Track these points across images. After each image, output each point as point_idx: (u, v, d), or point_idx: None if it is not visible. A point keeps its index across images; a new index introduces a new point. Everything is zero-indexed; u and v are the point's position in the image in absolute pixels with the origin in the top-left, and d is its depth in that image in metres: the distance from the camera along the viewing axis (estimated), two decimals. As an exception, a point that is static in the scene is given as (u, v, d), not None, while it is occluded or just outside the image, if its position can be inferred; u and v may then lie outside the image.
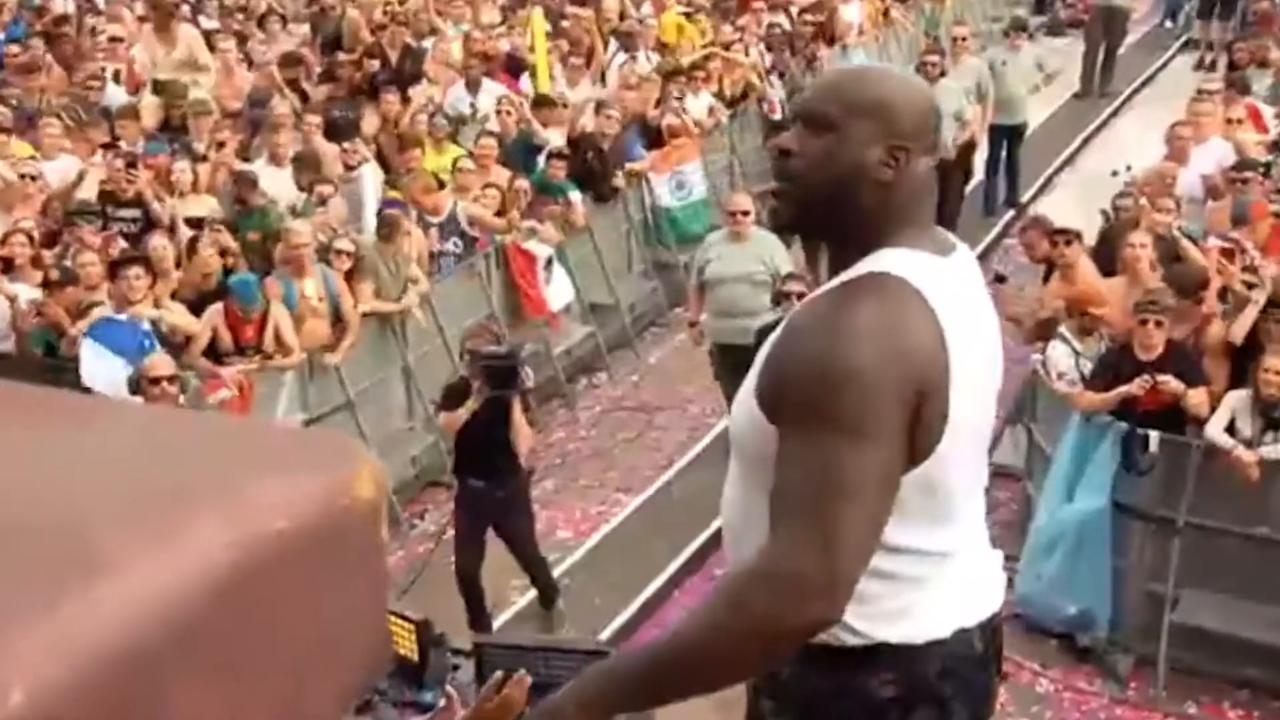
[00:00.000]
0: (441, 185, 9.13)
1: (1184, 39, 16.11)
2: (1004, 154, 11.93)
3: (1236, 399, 6.39)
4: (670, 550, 7.61)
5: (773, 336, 2.09)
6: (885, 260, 2.02)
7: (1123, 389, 6.44)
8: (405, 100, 10.41)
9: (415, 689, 4.46)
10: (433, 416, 8.37)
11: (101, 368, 6.95)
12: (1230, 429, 6.32)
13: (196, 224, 8.44)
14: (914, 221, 2.11)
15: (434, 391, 8.44)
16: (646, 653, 2.14)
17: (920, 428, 1.94)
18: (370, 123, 10.26)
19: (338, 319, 7.93)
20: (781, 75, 11.80)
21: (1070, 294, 7.42)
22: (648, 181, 10.35)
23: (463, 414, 6.20)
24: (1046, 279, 8.14)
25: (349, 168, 9.20)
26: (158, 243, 7.91)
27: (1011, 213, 11.95)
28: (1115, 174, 11.00)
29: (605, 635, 6.59)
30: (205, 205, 8.76)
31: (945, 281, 2.03)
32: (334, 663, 0.78)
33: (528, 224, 9.10)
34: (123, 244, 8.13)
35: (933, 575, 2.09)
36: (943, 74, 10.84)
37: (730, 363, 8.04)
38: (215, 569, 0.71)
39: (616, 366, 9.84)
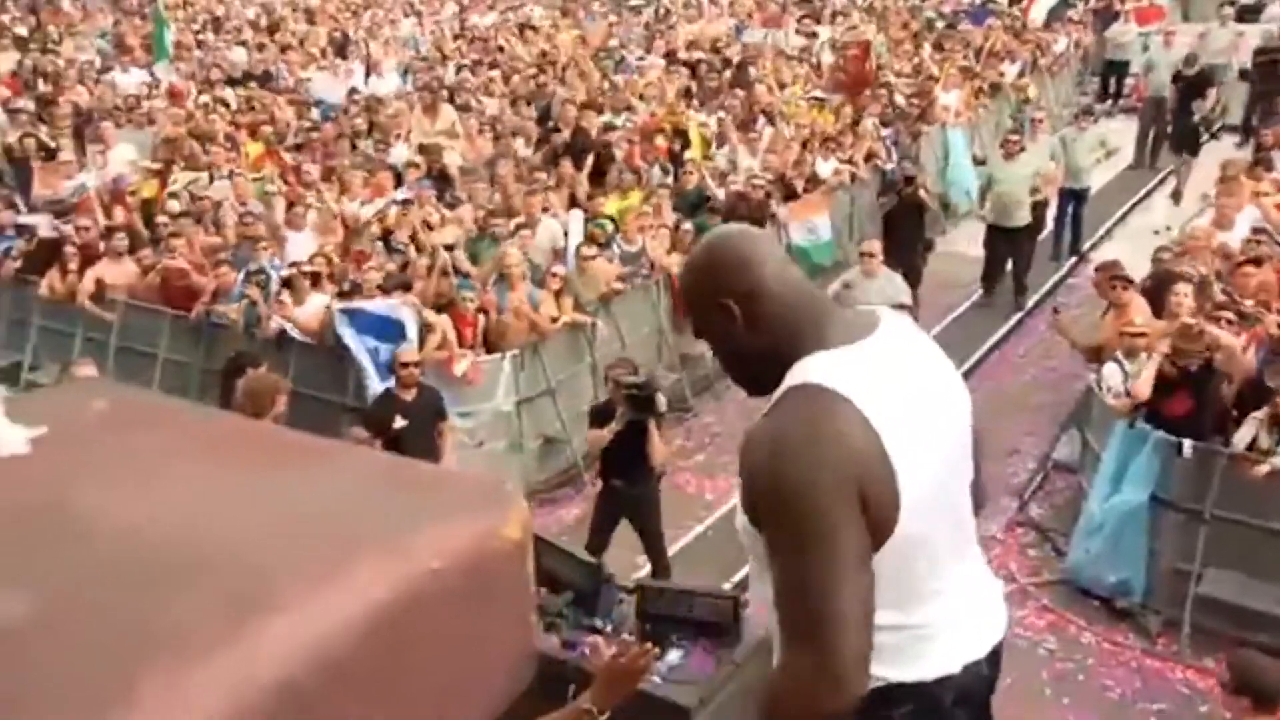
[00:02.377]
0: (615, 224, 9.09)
1: (1219, 126, 15.23)
2: (1070, 212, 11.54)
3: (1258, 417, 6.08)
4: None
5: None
6: (805, 370, 1.78)
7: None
8: (579, 166, 10.34)
9: (589, 615, 4.42)
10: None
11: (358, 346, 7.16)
12: (1252, 442, 6.04)
13: (447, 248, 8.58)
14: (808, 328, 1.83)
15: (616, 382, 8.48)
16: None
17: (874, 511, 1.71)
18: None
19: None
20: (895, 143, 11.57)
21: (1120, 325, 7.11)
22: (785, 226, 10.15)
23: (606, 434, 5.99)
24: (1106, 313, 7.81)
25: (545, 209, 9.20)
26: (420, 263, 8.08)
27: (1074, 259, 11.56)
28: (1157, 232, 10.61)
29: (735, 579, 6.47)
30: (452, 235, 8.89)
31: (865, 368, 1.77)
32: (478, 687, 0.68)
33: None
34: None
35: (938, 626, 1.89)
36: (1022, 149, 10.51)
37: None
38: (374, 607, 0.62)
39: (756, 367, 9.68)
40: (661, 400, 6.01)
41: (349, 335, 7.24)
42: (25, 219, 9.56)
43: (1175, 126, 13.46)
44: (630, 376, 6.03)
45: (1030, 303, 10.66)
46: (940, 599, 1.88)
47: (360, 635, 0.60)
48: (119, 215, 9.50)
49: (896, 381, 1.79)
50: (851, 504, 1.68)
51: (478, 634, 0.68)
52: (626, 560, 6.56)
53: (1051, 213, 11.40)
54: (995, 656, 2.02)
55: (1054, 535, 7.21)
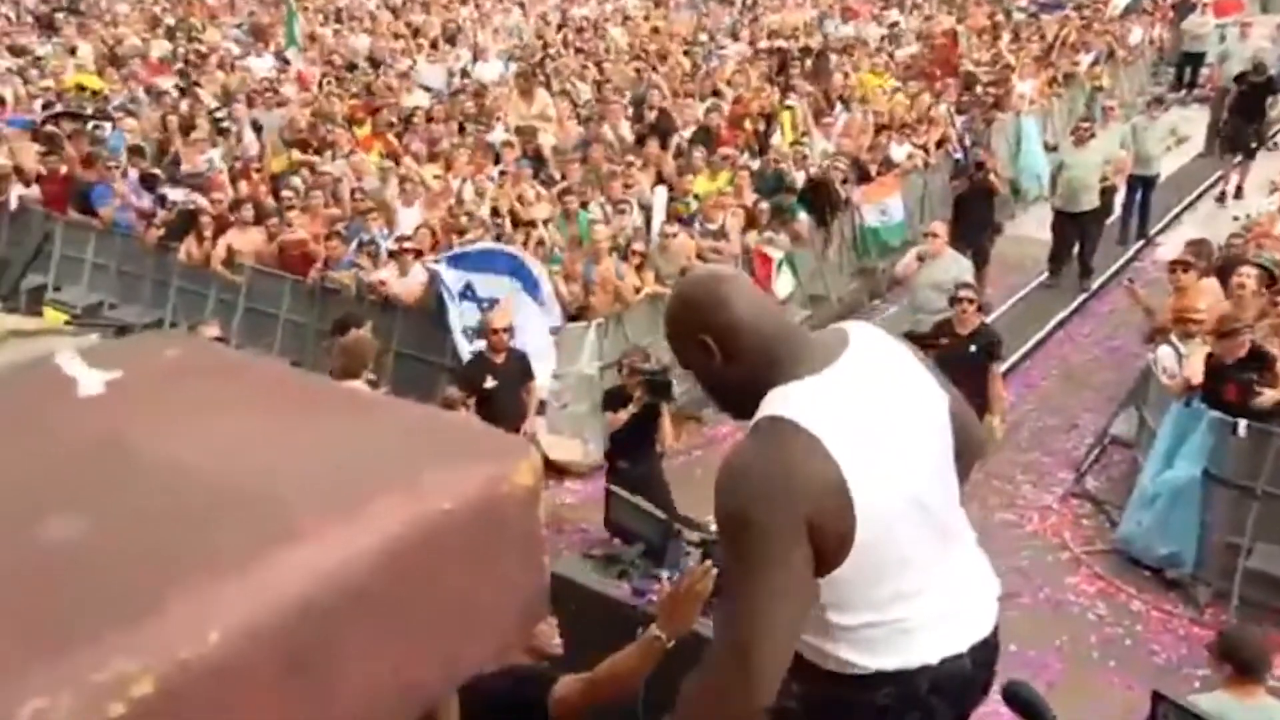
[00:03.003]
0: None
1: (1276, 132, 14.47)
2: (1139, 198, 11.12)
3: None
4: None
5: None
6: (773, 401, 1.78)
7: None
8: (664, 148, 10.28)
9: (657, 566, 4.45)
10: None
11: (451, 308, 7.25)
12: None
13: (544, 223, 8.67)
14: (780, 359, 1.83)
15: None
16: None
17: (827, 540, 1.73)
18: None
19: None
20: (970, 129, 11.27)
21: (1178, 307, 6.87)
22: (858, 208, 9.99)
23: (624, 416, 5.99)
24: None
25: (628, 187, 9.16)
26: (517, 237, 8.16)
27: (1140, 243, 11.15)
28: (1236, 218, 10.17)
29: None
30: (544, 211, 8.94)
31: (831, 396, 1.79)
32: (491, 624, 0.69)
33: (767, 234, 8.94)
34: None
35: (917, 621, 1.89)
36: (1092, 136, 10.16)
37: (914, 344, 7.76)
38: (388, 541, 0.63)
39: (826, 341, 9.58)
40: (675, 386, 5.97)
41: (448, 294, 7.36)
42: (166, 191, 9.89)
43: (1231, 128, 12.50)
44: (647, 364, 6.02)
45: (1095, 285, 10.34)
46: (921, 597, 1.89)
47: (375, 566, 0.62)
48: (246, 189, 9.76)
49: (862, 404, 1.81)
50: (797, 537, 1.71)
51: (489, 573, 0.69)
52: (696, 516, 6.57)
53: (1120, 198, 11.04)
54: (984, 653, 2.01)
55: (1108, 507, 7.03)
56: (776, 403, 1.77)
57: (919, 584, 1.88)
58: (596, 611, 3.65)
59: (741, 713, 1.79)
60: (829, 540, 1.73)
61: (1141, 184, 11.02)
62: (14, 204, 10.02)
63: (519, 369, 6.58)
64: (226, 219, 8.97)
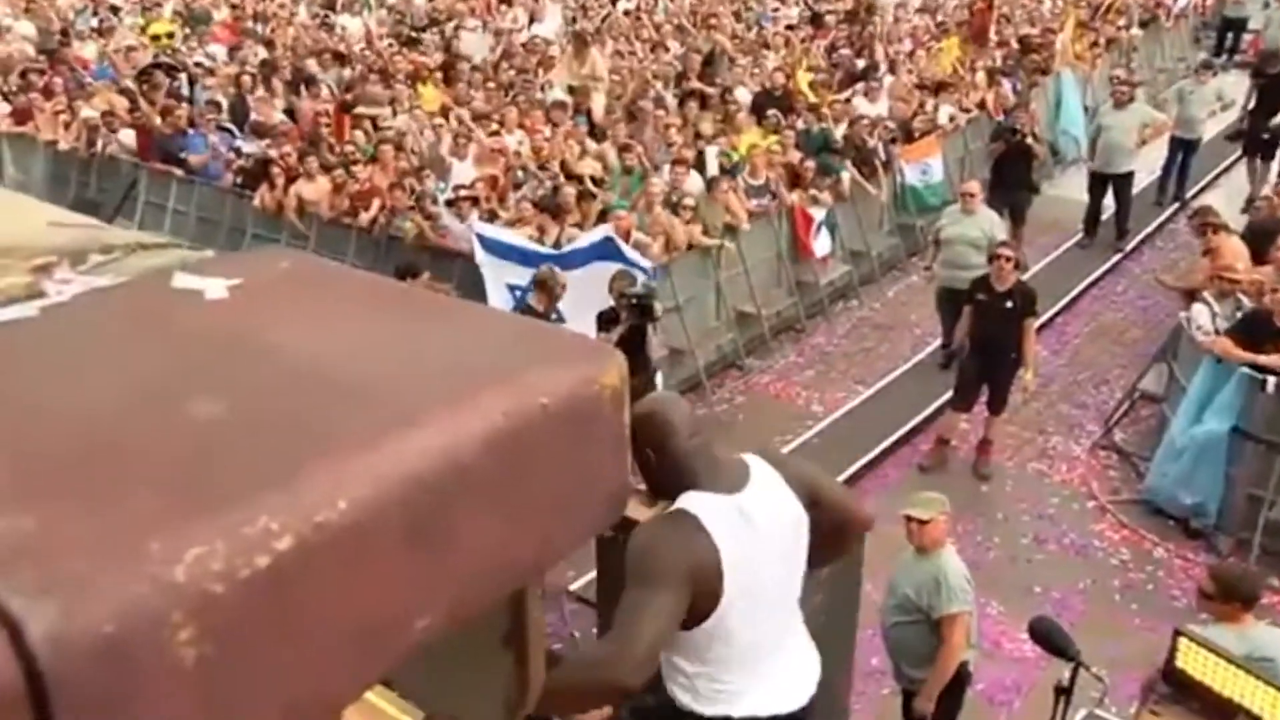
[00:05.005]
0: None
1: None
2: (1179, 160, 10.81)
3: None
4: (888, 427, 7.38)
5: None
6: (685, 499, 2.31)
7: (1261, 359, 5.86)
8: (705, 107, 10.17)
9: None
10: (733, 320, 8.36)
11: (491, 265, 7.26)
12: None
13: (594, 180, 8.62)
14: (698, 475, 2.34)
15: (738, 302, 8.43)
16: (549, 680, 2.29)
17: (700, 598, 2.25)
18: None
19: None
20: (1016, 91, 11.04)
21: (1214, 268, 6.71)
22: (899, 168, 9.85)
23: (613, 337, 6.08)
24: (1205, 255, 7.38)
25: (670, 145, 9.06)
26: (567, 190, 8.13)
27: (1176, 205, 10.87)
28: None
29: (837, 480, 6.45)
30: (593, 166, 8.92)
31: (725, 510, 2.30)
32: (580, 510, 0.73)
33: (811, 193, 8.85)
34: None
35: (741, 688, 2.40)
36: (1131, 99, 9.88)
37: (949, 300, 7.71)
38: (493, 429, 0.67)
39: (865, 296, 9.51)
40: (658, 307, 6.19)
41: (484, 253, 7.39)
42: (240, 143, 10.00)
43: (1250, 127, 10.95)
44: (632, 289, 6.23)
45: (1130, 245, 10.14)
46: (756, 668, 2.42)
47: (481, 451, 0.65)
48: (317, 138, 9.83)
49: (745, 521, 2.32)
50: (679, 583, 2.22)
51: (580, 465, 0.72)
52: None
53: (1161, 160, 10.75)
54: (803, 715, 2.50)
55: (1135, 459, 6.97)
56: (688, 500, 2.32)
57: (744, 659, 2.39)
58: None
59: (613, 686, 2.24)
60: (701, 600, 2.25)
61: (1184, 147, 10.70)
62: (105, 152, 10.21)
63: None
64: (296, 169, 9.06)
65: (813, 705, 2.49)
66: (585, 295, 6.90)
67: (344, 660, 0.60)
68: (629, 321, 6.14)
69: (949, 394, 7.09)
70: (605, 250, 7.08)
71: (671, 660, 2.39)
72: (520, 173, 8.78)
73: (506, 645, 0.86)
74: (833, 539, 2.52)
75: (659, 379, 7.16)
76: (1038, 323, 7.19)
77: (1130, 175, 9.88)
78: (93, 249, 0.92)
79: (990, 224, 7.67)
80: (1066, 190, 11.14)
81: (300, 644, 0.57)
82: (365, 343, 0.75)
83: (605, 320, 6.38)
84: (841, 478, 6.63)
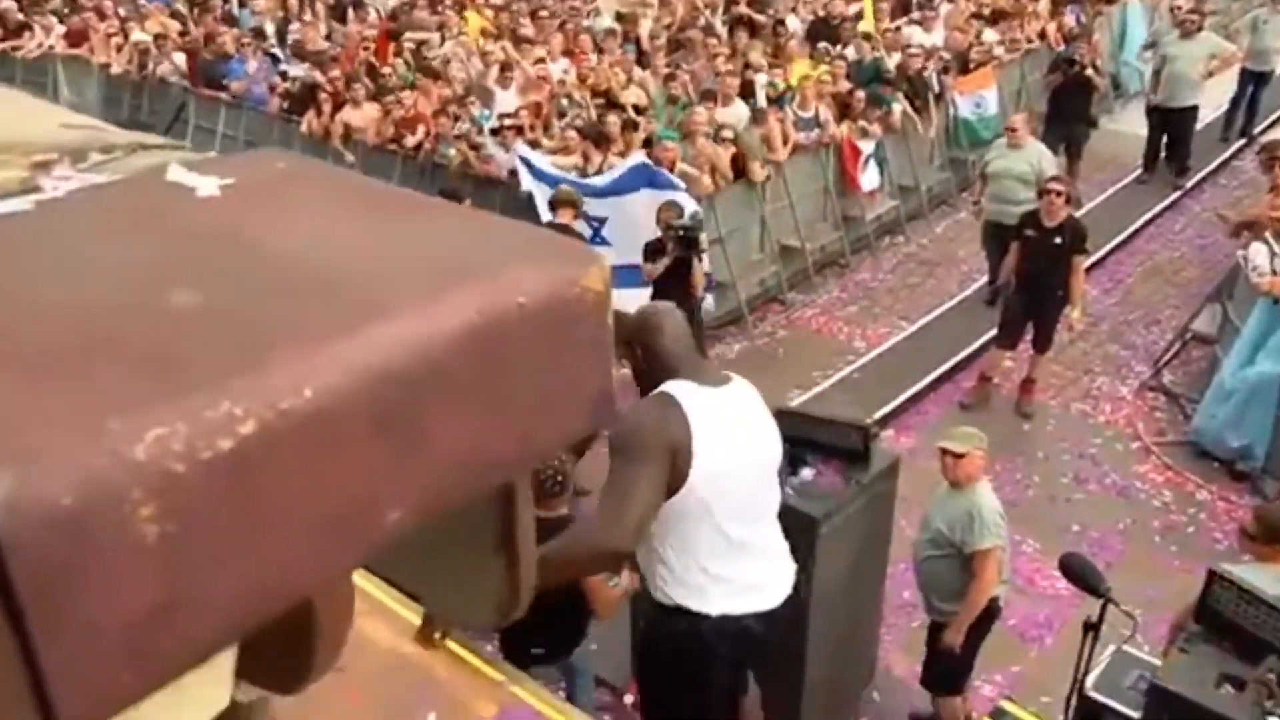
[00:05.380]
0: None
1: None
2: (1249, 94, 10.37)
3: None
4: (930, 363, 7.30)
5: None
6: (666, 386, 2.61)
7: None
8: (754, 35, 9.95)
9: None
10: (777, 254, 8.27)
11: (539, 190, 7.23)
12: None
13: (637, 109, 8.52)
14: (680, 371, 2.63)
15: (782, 235, 8.32)
16: (550, 549, 2.53)
17: (678, 467, 2.50)
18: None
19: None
20: (1080, 22, 10.64)
21: (1275, 205, 6.47)
22: (953, 99, 9.58)
23: (659, 268, 6.22)
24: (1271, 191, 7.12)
25: (718, 75, 8.88)
26: (611, 119, 8.05)
27: (1243, 141, 10.46)
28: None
29: (876, 416, 6.42)
30: (637, 95, 8.79)
31: (702, 398, 2.57)
32: (561, 412, 0.73)
33: (860, 124, 8.65)
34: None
35: (714, 581, 2.64)
36: (1199, 29, 9.46)
37: (995, 236, 7.55)
38: (467, 324, 0.66)
39: (912, 231, 9.34)
40: (704, 239, 6.25)
41: (531, 176, 7.36)
42: (287, 67, 10.00)
43: None
44: (679, 220, 6.24)
45: (1190, 182, 9.81)
46: (733, 565, 2.65)
47: (455, 345, 0.65)
48: (365, 64, 9.80)
49: (721, 412, 2.59)
50: (661, 452, 2.47)
51: (559, 367, 0.72)
52: (777, 392, 6.60)
53: (1230, 94, 10.33)
54: (768, 620, 2.73)
55: (1183, 400, 6.82)
56: (668, 387, 2.60)
57: (719, 547, 2.62)
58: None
59: (613, 553, 2.51)
60: (680, 472, 2.50)
61: (1255, 80, 10.25)
62: (156, 75, 10.28)
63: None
64: (342, 95, 9.05)
65: (783, 609, 2.77)
66: (634, 225, 6.88)
67: (311, 546, 0.61)
68: (675, 253, 6.14)
69: (993, 331, 6.98)
70: (648, 177, 7.02)
71: (655, 545, 2.65)
72: (565, 101, 8.69)
73: (498, 548, 0.87)
74: None
75: (710, 303, 7.15)
76: (1088, 261, 7.02)
77: (1194, 109, 9.51)
78: (94, 147, 0.92)
79: (1039, 158, 7.44)
80: (1127, 125, 10.78)
81: (264, 527, 0.57)
82: (347, 240, 0.75)
83: (652, 250, 6.39)
84: (881, 413, 6.60)
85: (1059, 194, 6.39)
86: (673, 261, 6.16)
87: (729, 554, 2.63)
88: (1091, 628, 3.50)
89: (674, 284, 6.24)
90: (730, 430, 2.58)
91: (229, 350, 0.61)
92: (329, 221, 0.78)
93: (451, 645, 2.28)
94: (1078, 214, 7.07)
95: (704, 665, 2.73)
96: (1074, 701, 3.67)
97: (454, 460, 0.69)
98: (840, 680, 4.55)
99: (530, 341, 0.72)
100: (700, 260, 6.29)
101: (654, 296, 6.46)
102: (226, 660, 0.72)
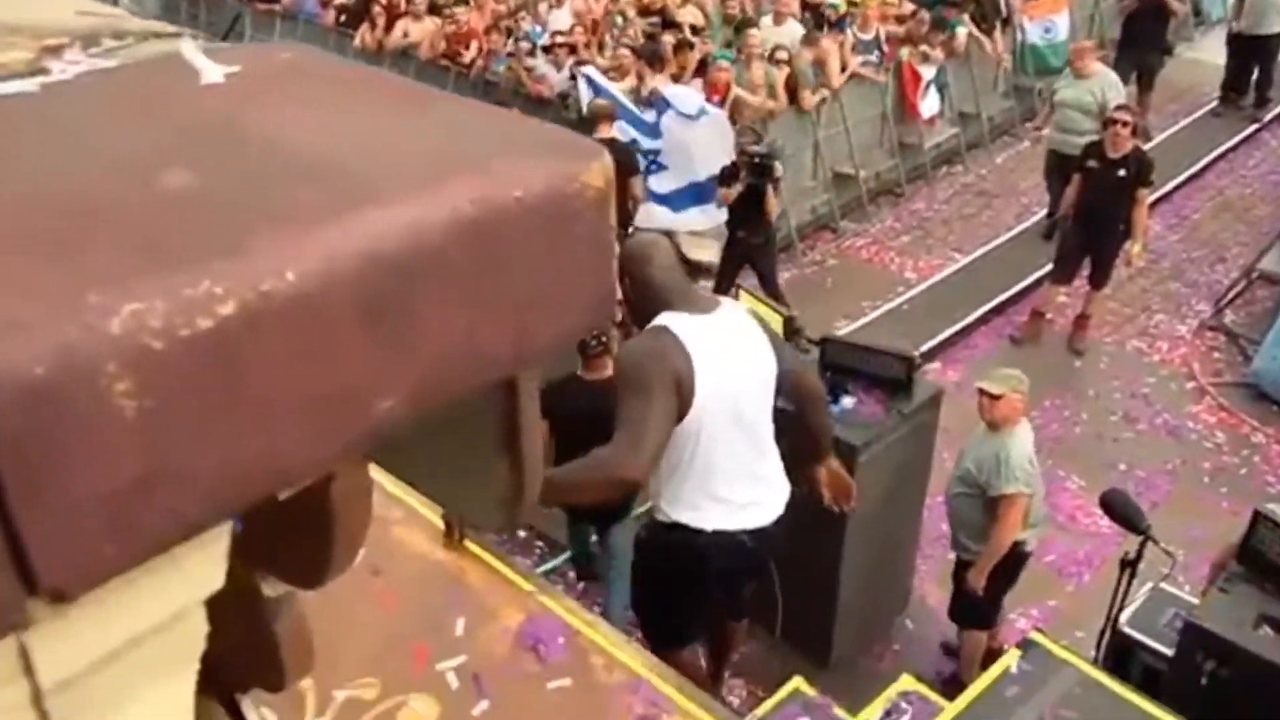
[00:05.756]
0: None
1: None
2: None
3: None
4: (981, 297, 7.16)
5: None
6: (661, 319, 2.71)
7: None
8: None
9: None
10: (830, 181, 8.10)
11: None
12: None
13: (693, 29, 8.32)
14: (672, 302, 2.73)
15: (836, 162, 8.14)
16: (562, 472, 2.64)
17: (683, 395, 2.62)
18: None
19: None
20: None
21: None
22: (1020, 25, 9.21)
23: (733, 193, 6.23)
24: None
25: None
26: (666, 39, 7.89)
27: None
28: None
29: (924, 348, 6.34)
30: (693, 15, 8.58)
31: (696, 327, 2.69)
32: (562, 307, 0.72)
33: (922, 49, 8.37)
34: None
35: (710, 500, 2.79)
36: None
37: (1058, 166, 7.31)
38: (460, 215, 0.65)
39: (971, 161, 9.09)
40: (778, 167, 6.23)
41: (590, 90, 7.26)
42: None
43: None
44: (754, 146, 6.26)
45: (1269, 116, 9.38)
46: (722, 487, 2.79)
47: (447, 234, 0.63)
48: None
49: (714, 338, 2.70)
50: (667, 385, 2.59)
51: (558, 263, 0.70)
52: (824, 321, 6.53)
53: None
54: (761, 537, 2.88)
55: (1244, 341, 6.63)
56: (663, 319, 2.71)
57: (718, 466, 2.75)
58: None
59: (625, 482, 2.60)
60: (684, 400, 2.62)
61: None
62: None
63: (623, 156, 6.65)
64: (398, 8, 8.96)
65: (776, 526, 2.91)
66: (690, 150, 6.82)
67: (295, 431, 0.61)
68: (748, 179, 6.13)
69: (1049, 266, 6.81)
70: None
71: (657, 473, 2.78)
72: (619, 19, 8.51)
73: (502, 448, 0.87)
74: (804, 404, 3.00)
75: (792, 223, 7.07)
76: (1153, 195, 6.79)
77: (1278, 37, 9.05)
78: (106, 34, 0.91)
79: (1105, 87, 7.14)
80: (1206, 53, 10.30)
81: (247, 408, 0.57)
82: (346, 129, 0.73)
83: (727, 175, 6.39)
84: (928, 345, 6.51)
85: (1125, 124, 6.14)
86: (746, 188, 6.15)
87: (727, 475, 2.77)
88: (1129, 565, 3.47)
89: (748, 211, 6.26)
90: (724, 355, 2.70)
91: (214, 232, 0.60)
92: (329, 111, 0.77)
93: (484, 554, 2.32)
94: (1146, 146, 6.81)
95: (698, 577, 2.93)
96: (1106, 636, 3.65)
97: (446, 352, 0.68)
98: (873, 607, 4.58)
99: (526, 236, 0.71)
100: (776, 189, 6.26)
101: (729, 222, 6.57)
102: (220, 539, 0.73)
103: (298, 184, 0.67)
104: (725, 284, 6.37)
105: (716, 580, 2.98)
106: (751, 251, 6.51)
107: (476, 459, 0.92)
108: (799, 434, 3.09)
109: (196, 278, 0.57)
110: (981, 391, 3.99)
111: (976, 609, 4.20)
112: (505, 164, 0.71)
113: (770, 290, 6.60)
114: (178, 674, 0.75)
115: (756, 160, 6.12)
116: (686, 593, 2.99)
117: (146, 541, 0.58)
